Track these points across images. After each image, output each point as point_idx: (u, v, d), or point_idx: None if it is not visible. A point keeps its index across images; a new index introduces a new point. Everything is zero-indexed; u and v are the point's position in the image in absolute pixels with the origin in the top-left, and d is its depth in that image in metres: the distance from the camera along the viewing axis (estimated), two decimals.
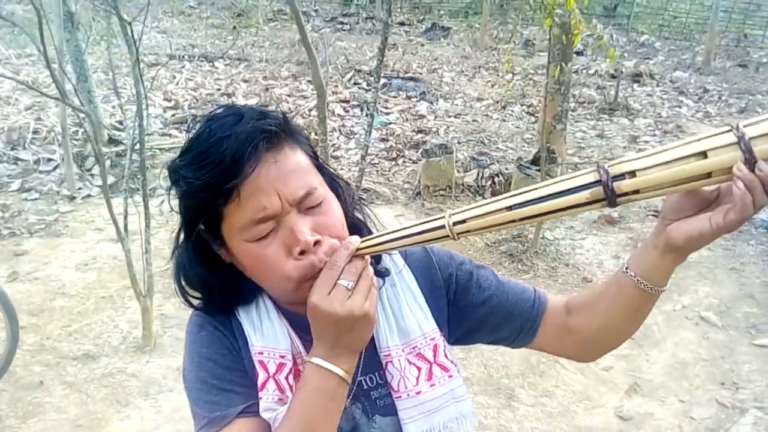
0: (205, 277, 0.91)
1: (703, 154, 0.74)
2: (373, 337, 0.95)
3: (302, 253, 0.84)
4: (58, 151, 5.78)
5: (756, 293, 4.23)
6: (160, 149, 6.17)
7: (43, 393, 3.08)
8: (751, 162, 0.72)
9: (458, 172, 5.88)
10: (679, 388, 3.30)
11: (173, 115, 7.28)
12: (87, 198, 5.36)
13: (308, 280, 0.84)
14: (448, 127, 7.69)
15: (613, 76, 10.40)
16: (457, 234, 0.82)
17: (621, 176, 0.75)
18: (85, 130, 4.83)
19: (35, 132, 6.04)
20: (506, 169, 5.94)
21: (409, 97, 9.07)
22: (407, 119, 8.01)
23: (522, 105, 8.90)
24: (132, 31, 2.94)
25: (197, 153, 0.83)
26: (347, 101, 8.48)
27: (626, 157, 0.78)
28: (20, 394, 3.06)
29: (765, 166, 0.71)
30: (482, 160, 6.19)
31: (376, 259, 0.97)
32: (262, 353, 0.90)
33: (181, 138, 6.67)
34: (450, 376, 0.96)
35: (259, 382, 0.88)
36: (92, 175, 5.70)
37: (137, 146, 3.21)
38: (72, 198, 5.31)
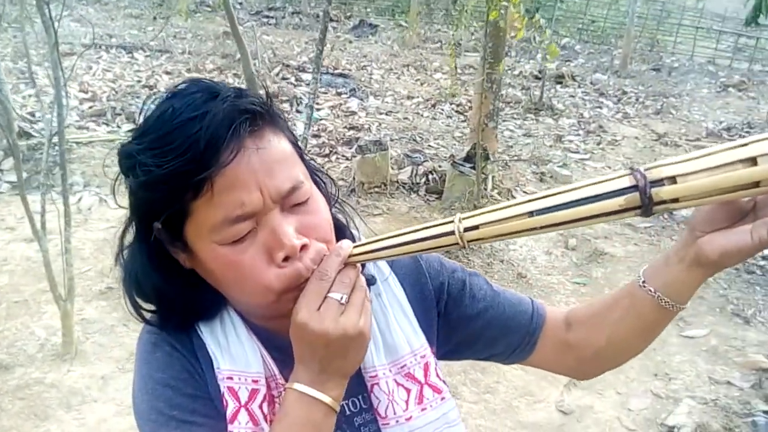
0: (161, 286, 0.76)
1: (753, 161, 0.66)
2: None
3: (286, 259, 0.71)
4: None
5: None
6: (77, 143, 5.79)
7: None
8: None
9: (392, 169, 5.83)
10: (616, 381, 3.36)
11: (90, 108, 6.87)
12: None
13: (291, 291, 0.71)
14: (380, 124, 7.64)
15: (536, 78, 10.67)
16: (468, 242, 0.71)
17: (659, 182, 0.66)
18: None
19: None
20: (440, 166, 5.94)
21: (339, 94, 8.96)
22: (338, 116, 7.91)
23: (451, 104, 8.96)
24: (50, 12, 2.70)
25: (161, 135, 0.68)
26: (276, 96, 8.27)
27: (665, 160, 0.69)
28: None
29: None
30: (416, 157, 6.17)
31: (361, 266, 0.85)
32: (231, 378, 0.76)
33: (99, 132, 6.30)
34: (442, 398, 0.85)
35: (229, 412, 0.75)
36: (0, 170, 5.28)
37: (55, 138, 2.96)
38: None
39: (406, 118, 8.10)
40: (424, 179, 5.75)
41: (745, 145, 0.67)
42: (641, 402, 3.23)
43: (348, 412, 0.84)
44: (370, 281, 0.83)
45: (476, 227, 0.71)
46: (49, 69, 3.72)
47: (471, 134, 6.23)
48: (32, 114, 6.01)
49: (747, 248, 0.71)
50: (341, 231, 0.83)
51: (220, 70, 9.29)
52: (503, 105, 9.10)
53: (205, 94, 0.70)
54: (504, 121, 8.44)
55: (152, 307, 0.79)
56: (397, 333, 0.85)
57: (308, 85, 9.48)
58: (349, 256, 0.73)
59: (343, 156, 6.40)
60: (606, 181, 0.69)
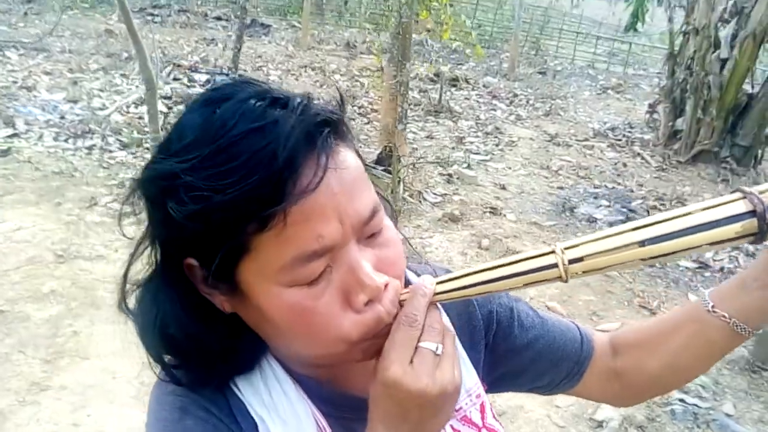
0: (200, 336, 0.62)
1: None
2: None
3: (367, 302, 0.60)
4: None
5: (591, 282, 4.56)
6: None
7: None
8: None
9: None
10: None
11: None
12: None
13: (367, 340, 0.61)
14: None
15: (432, 80, 10.86)
16: (572, 275, 0.63)
17: None
18: None
19: None
20: None
21: None
22: None
23: (353, 106, 8.90)
24: None
25: (215, 150, 0.54)
26: (169, 97, 7.85)
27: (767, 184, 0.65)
28: None
29: None
30: None
31: None
32: None
33: None
34: None
35: None
36: None
37: None
38: None
39: None
40: None
41: None
42: (567, 399, 3.29)
43: None
44: None
45: (581, 259, 0.63)
46: None
47: (380, 137, 6.19)
48: None
49: None
50: None
51: (105, 70, 8.70)
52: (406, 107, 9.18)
53: (262, 100, 0.57)
54: (407, 123, 8.50)
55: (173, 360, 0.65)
56: None
57: (202, 86, 9.11)
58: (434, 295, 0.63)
59: None
60: (718, 205, 0.63)
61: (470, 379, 0.76)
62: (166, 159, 0.57)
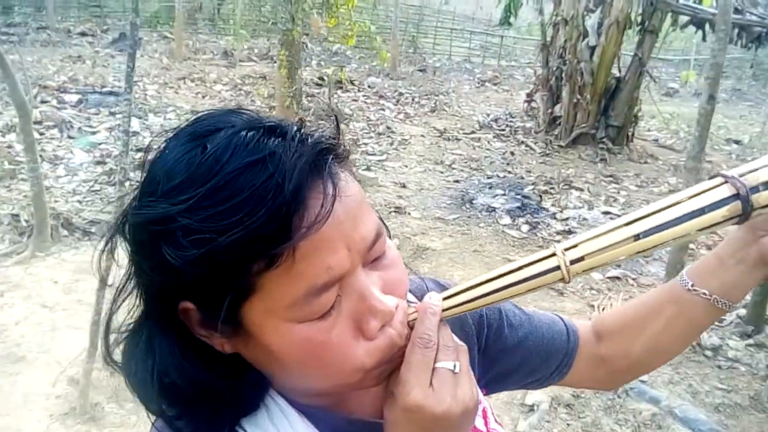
0: (205, 382, 0.57)
1: None
2: None
3: (380, 328, 0.57)
4: None
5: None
6: None
7: None
8: None
9: None
10: None
11: None
12: None
13: (381, 366, 0.58)
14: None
15: (318, 85, 10.82)
16: (574, 275, 0.63)
17: (755, 188, 0.65)
18: None
19: None
20: None
21: (113, 114, 8.17)
22: (119, 138, 7.19)
23: None
24: None
25: (212, 188, 0.49)
26: (39, 122, 7.28)
27: (752, 165, 0.67)
28: None
29: None
30: None
31: None
32: None
33: None
34: None
35: None
36: None
37: None
38: None
39: None
40: None
41: None
42: None
43: None
44: None
45: (581, 258, 0.63)
46: None
47: None
48: None
49: None
50: None
51: None
52: None
53: (255, 130, 0.53)
54: None
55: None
56: None
57: (74, 107, 8.53)
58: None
59: (137, 182, 5.83)
60: (703, 192, 0.66)
61: None
62: (156, 202, 0.52)
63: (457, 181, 6.84)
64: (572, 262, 0.63)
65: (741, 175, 0.66)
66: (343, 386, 0.58)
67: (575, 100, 8.28)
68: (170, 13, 14.56)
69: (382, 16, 17.67)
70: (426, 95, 11.44)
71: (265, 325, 0.54)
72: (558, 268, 0.62)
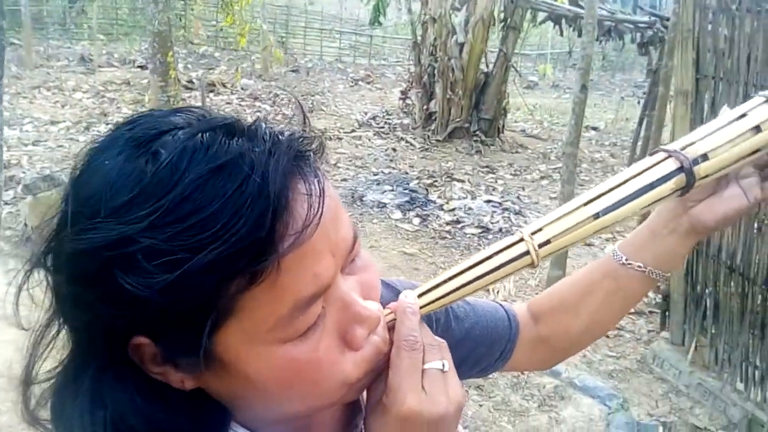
0: (169, 423, 0.50)
1: (757, 129, 0.73)
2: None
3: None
4: None
5: (397, 263, 4.79)
6: None
7: None
8: None
9: None
10: None
11: None
12: None
13: (366, 377, 0.55)
14: (30, 157, 6.56)
15: (188, 88, 10.41)
16: (542, 258, 0.64)
17: (695, 160, 0.69)
18: None
19: None
20: None
21: None
22: None
23: (107, 124, 8.17)
24: None
25: (177, 201, 0.43)
26: None
27: (688, 138, 0.73)
28: None
29: None
30: None
31: None
32: None
33: None
34: None
35: None
36: None
37: None
38: None
39: (60, 146, 7.12)
40: None
41: (744, 115, 0.75)
42: None
43: None
44: None
45: (548, 242, 0.65)
46: None
47: None
48: None
49: (744, 209, 0.75)
50: None
51: None
52: None
53: (212, 130, 0.46)
54: None
55: None
56: None
57: None
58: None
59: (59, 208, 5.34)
60: (651, 167, 0.70)
61: None
62: (103, 223, 0.43)
63: (344, 180, 6.87)
64: (540, 246, 0.64)
65: (682, 149, 0.70)
66: (325, 405, 0.55)
67: (448, 96, 8.58)
68: (15, 18, 13.38)
69: (247, 16, 17.30)
70: (302, 96, 11.35)
71: (243, 351, 0.48)
72: (527, 253, 0.64)
